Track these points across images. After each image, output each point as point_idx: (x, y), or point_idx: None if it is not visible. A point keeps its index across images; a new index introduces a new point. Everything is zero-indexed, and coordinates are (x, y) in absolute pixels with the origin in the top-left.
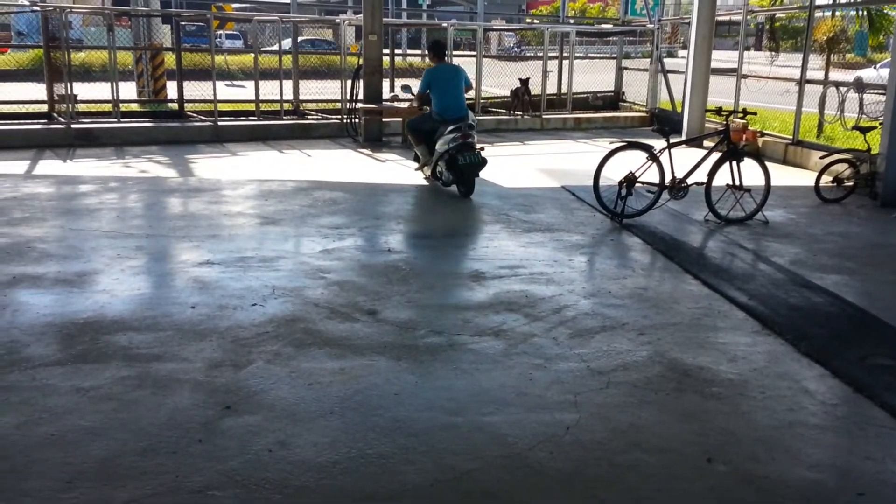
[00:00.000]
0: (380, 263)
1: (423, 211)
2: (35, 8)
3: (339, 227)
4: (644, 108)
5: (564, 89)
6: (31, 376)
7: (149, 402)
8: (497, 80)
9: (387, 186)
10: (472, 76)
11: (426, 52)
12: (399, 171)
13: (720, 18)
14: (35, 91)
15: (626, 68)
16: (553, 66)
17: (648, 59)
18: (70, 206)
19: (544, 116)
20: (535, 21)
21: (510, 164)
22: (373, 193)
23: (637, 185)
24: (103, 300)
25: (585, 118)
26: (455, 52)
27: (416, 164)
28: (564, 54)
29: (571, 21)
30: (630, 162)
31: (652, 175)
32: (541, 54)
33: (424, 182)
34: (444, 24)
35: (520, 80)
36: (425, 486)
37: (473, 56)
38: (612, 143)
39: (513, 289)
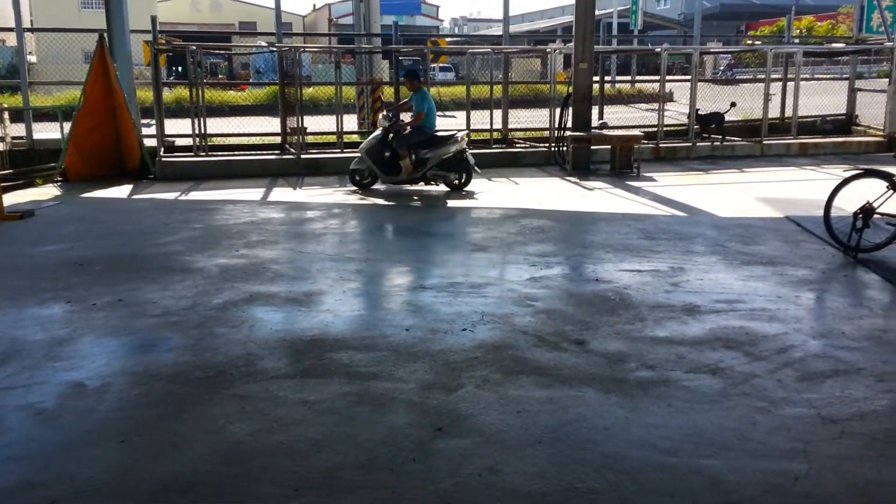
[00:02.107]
0: (588, 292)
1: (632, 240)
2: (272, 49)
3: (547, 254)
4: (881, 133)
5: (788, 112)
6: (265, 387)
7: (367, 418)
8: (712, 104)
9: (595, 215)
10: (685, 100)
11: (403, 79)
12: (607, 199)
13: None
14: (270, 124)
15: (859, 89)
16: (775, 88)
17: (886, 80)
18: (299, 231)
19: (765, 142)
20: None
21: (726, 193)
22: (580, 222)
23: (875, 216)
24: (327, 319)
25: (812, 143)
26: (668, 77)
27: (348, 185)
28: (789, 76)
29: (796, 41)
30: (866, 191)
31: (893, 206)
32: (759, 77)
33: (632, 211)
34: (657, 49)
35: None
36: None
37: (687, 80)
38: (845, 170)
39: (731, 324)
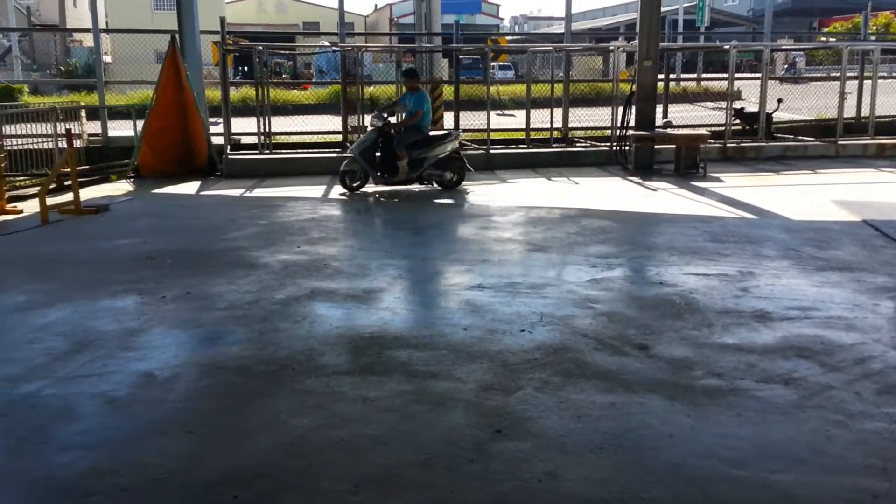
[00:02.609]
0: (651, 296)
1: (698, 243)
2: (334, 49)
3: (608, 256)
4: None
5: (864, 112)
6: (325, 383)
7: (426, 417)
8: (785, 102)
9: (658, 216)
10: (754, 99)
11: (403, 78)
12: (671, 200)
13: None
14: (331, 122)
15: None
16: (850, 86)
17: None
18: (359, 228)
19: (840, 142)
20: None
21: (798, 194)
22: (643, 223)
23: None
24: (386, 317)
25: (890, 144)
26: (737, 75)
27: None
28: (865, 74)
29: (873, 38)
30: None
31: None
32: (833, 74)
33: (698, 212)
34: (726, 46)
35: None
36: None
37: (756, 78)
38: None
39: (804, 333)
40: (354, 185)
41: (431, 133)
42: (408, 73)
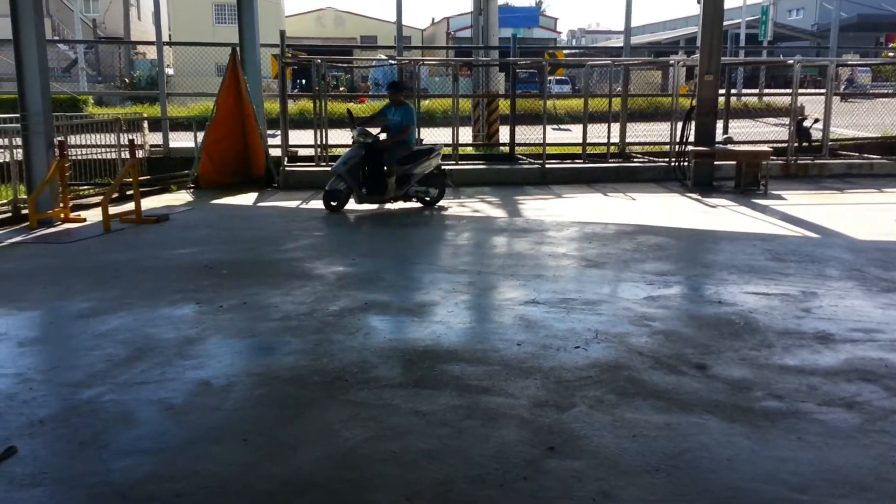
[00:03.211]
0: (709, 315)
1: (758, 261)
2: (392, 62)
3: (665, 273)
4: None
5: None
6: (379, 395)
7: (478, 432)
8: (849, 119)
9: (718, 234)
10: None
11: (388, 91)
12: (731, 217)
13: None
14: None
15: None
16: None
17: None
18: (413, 242)
19: None
20: None
21: (863, 214)
22: (701, 240)
23: None
24: (439, 330)
25: None
26: (800, 91)
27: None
28: None
29: None
30: None
31: None
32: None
33: (758, 230)
34: (789, 61)
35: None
36: None
37: (820, 94)
38: None
39: (869, 355)
40: (333, 203)
41: (416, 148)
42: (394, 87)
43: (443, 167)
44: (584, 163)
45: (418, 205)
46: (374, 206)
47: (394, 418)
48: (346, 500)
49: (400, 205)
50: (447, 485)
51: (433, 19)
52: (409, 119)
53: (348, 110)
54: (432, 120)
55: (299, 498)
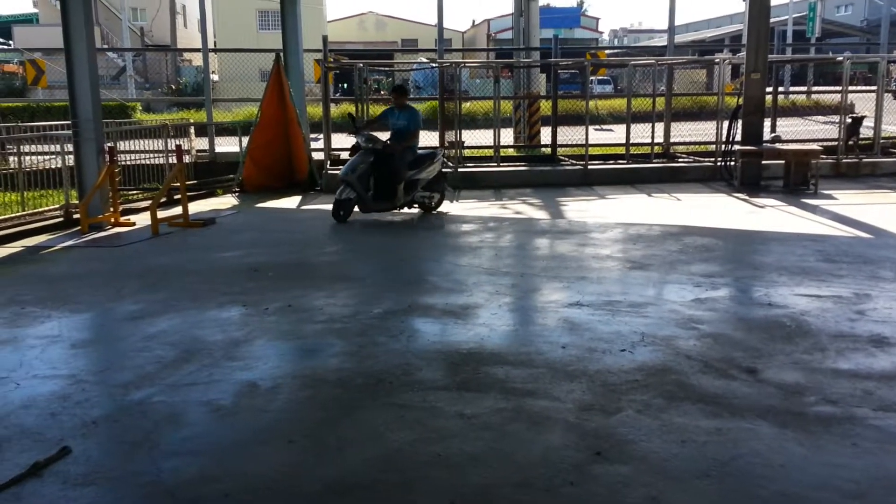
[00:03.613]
0: (759, 317)
1: (809, 262)
2: (433, 65)
3: (712, 275)
4: None
5: None
6: (423, 397)
7: (523, 436)
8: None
9: (766, 234)
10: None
11: (392, 94)
12: (780, 217)
13: None
14: (427, 138)
15: None
16: None
17: None
18: (455, 244)
19: None
20: None
21: None
22: (749, 241)
23: None
24: (483, 333)
25: None
26: (850, 88)
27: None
28: None
29: None
30: None
31: None
32: None
33: (809, 231)
34: (839, 58)
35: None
36: None
37: (871, 91)
38: None
39: None
40: (342, 213)
41: (419, 153)
42: (398, 90)
43: (443, 171)
44: (627, 163)
45: (418, 210)
46: (376, 214)
47: (438, 421)
48: (391, 502)
49: (407, 210)
50: (492, 489)
51: (473, 21)
52: (415, 123)
53: (350, 114)
54: (473, 122)
55: (344, 499)
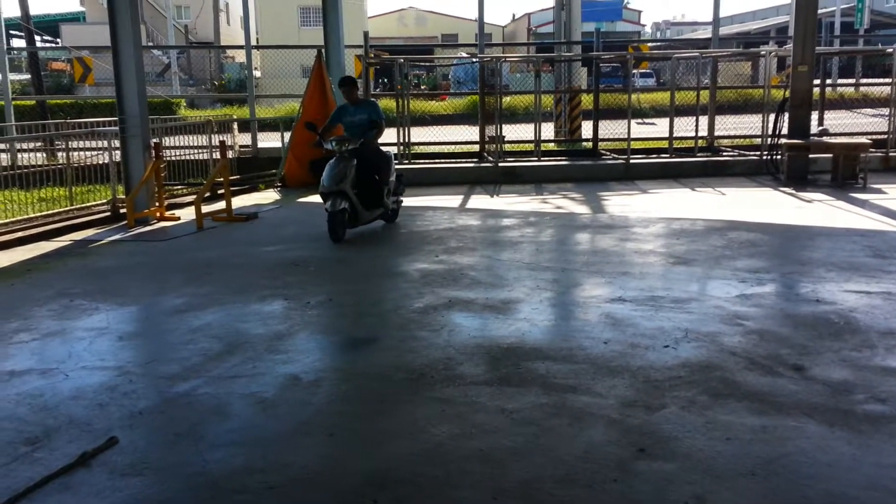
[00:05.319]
0: (807, 314)
1: (858, 258)
2: (473, 59)
3: (758, 270)
4: None
5: None
6: (464, 392)
7: (565, 431)
8: None
9: (814, 229)
10: None
11: (342, 88)
12: (828, 212)
13: None
14: (468, 133)
15: None
16: None
17: None
18: (495, 238)
19: None
20: None
21: None
22: (796, 236)
23: None
24: (524, 328)
25: None
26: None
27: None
28: None
29: None
30: None
31: None
32: None
33: (858, 226)
34: (889, 49)
35: None
36: None
37: None
38: None
39: None
40: (340, 233)
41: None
42: (345, 82)
43: (400, 173)
44: (670, 157)
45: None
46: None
47: (479, 416)
48: (432, 496)
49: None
50: (534, 484)
51: (514, 15)
52: (378, 114)
53: (307, 123)
54: (514, 116)
55: (385, 492)
